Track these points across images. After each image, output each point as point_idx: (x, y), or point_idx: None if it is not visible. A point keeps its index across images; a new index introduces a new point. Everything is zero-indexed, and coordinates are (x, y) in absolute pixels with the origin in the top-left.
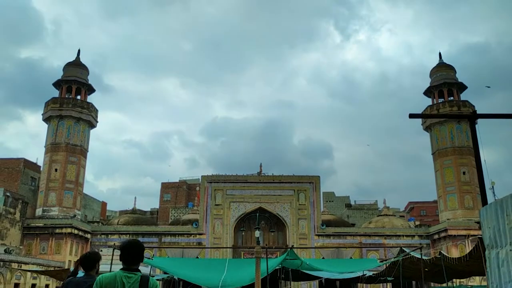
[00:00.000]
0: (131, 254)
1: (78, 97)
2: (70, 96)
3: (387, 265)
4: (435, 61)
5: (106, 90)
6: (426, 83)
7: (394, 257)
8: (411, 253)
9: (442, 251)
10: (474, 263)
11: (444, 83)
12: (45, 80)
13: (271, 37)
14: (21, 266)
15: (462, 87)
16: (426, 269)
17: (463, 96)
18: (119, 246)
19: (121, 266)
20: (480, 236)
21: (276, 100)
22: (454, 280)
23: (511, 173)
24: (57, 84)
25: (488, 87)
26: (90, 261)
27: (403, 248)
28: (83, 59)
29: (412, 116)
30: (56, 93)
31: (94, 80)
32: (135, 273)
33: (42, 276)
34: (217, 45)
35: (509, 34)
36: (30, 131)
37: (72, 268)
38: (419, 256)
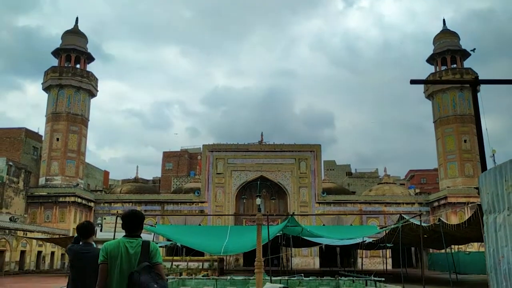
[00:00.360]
0: (132, 222)
1: (78, 66)
2: (70, 65)
3: (387, 231)
4: (439, 28)
5: (106, 59)
6: (430, 50)
7: (394, 224)
8: (410, 220)
9: (441, 218)
10: (473, 230)
11: (448, 50)
12: (44, 49)
13: (272, 3)
14: (26, 234)
15: (465, 54)
16: (425, 236)
17: (467, 63)
18: (121, 215)
19: (123, 234)
20: (479, 203)
21: (277, 69)
22: (452, 246)
23: (511, 141)
24: (56, 53)
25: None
26: (87, 229)
27: (402, 215)
28: (81, 28)
29: (413, 82)
30: (55, 62)
31: (93, 49)
32: (136, 239)
33: (48, 244)
34: (218, 13)
35: None
36: (31, 101)
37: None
38: (418, 223)
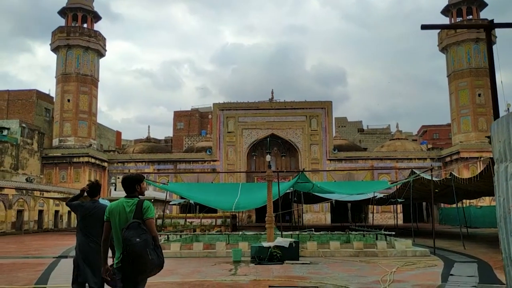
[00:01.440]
0: (126, 185)
1: (85, 25)
2: (77, 25)
3: (397, 186)
4: None
5: (114, 18)
6: (444, 2)
7: (405, 179)
8: (421, 174)
9: (453, 172)
10: (485, 183)
11: (463, 0)
12: (52, 9)
13: None
14: (43, 194)
15: (482, 5)
16: (436, 190)
17: (483, 14)
18: (121, 179)
19: None
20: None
21: (287, 25)
22: (464, 200)
23: None
24: (62, 13)
25: None
26: (95, 189)
27: (413, 170)
28: None
29: (424, 27)
30: (63, 22)
31: (102, 8)
32: (132, 198)
33: (64, 203)
34: None
35: None
36: (41, 63)
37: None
38: (429, 178)
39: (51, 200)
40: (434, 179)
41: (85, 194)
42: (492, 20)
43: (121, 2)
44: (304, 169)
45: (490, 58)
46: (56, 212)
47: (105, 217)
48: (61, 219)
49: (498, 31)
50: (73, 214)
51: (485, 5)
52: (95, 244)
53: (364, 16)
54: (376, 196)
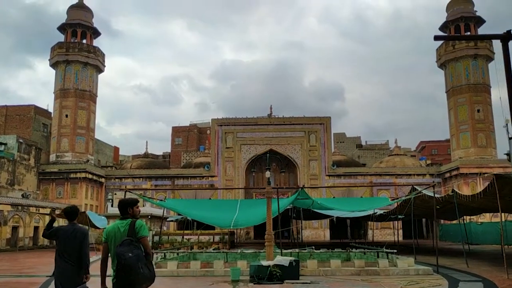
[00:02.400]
0: (120, 208)
1: (84, 41)
2: (76, 40)
3: (398, 203)
4: None
5: (114, 35)
6: (441, 19)
7: (406, 195)
8: (423, 191)
9: (455, 189)
10: (488, 200)
11: (461, 17)
12: (53, 26)
13: None
14: (39, 210)
15: (479, 21)
16: (438, 207)
17: (481, 31)
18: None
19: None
20: (495, 173)
21: (286, 41)
22: (464, 217)
23: None
24: (61, 29)
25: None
26: (72, 213)
27: (414, 186)
28: (89, 3)
29: (437, 38)
30: (62, 38)
31: (102, 25)
32: (126, 220)
33: (60, 219)
34: None
35: None
36: (42, 78)
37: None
38: (431, 194)
39: (47, 217)
40: (436, 195)
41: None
42: (510, 31)
43: (121, 18)
44: (304, 185)
45: (508, 71)
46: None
47: (103, 239)
48: None
49: (496, 48)
50: None
51: (483, 21)
52: (73, 266)
53: (362, 33)
54: (376, 212)
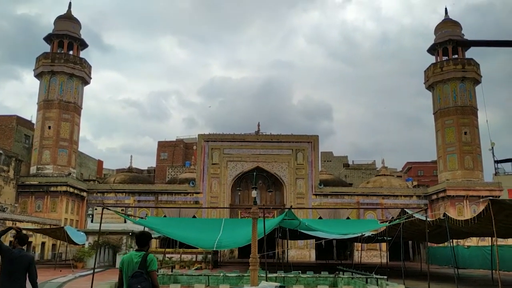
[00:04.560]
0: (141, 240)
1: (71, 52)
2: (62, 51)
3: (389, 226)
4: (436, 21)
5: (106, 49)
6: (427, 43)
7: (396, 218)
8: (414, 215)
9: (447, 213)
10: (480, 225)
11: (449, 40)
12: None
13: None
14: (15, 224)
15: (467, 45)
16: (428, 230)
17: (468, 54)
18: (135, 234)
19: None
20: (491, 197)
21: (275, 60)
22: (450, 240)
23: (507, 136)
24: (48, 39)
25: None
26: (22, 239)
27: (405, 210)
28: (82, 18)
29: (458, 43)
30: (49, 48)
31: (93, 39)
32: (141, 252)
33: (38, 234)
34: (216, 4)
35: None
36: (28, 90)
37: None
38: (423, 218)
39: (24, 231)
40: (428, 220)
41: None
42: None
43: (112, 33)
44: (291, 205)
45: None
46: (29, 243)
47: (119, 267)
48: (34, 251)
49: (483, 71)
50: (46, 246)
51: (470, 45)
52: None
53: (349, 54)
54: (364, 234)
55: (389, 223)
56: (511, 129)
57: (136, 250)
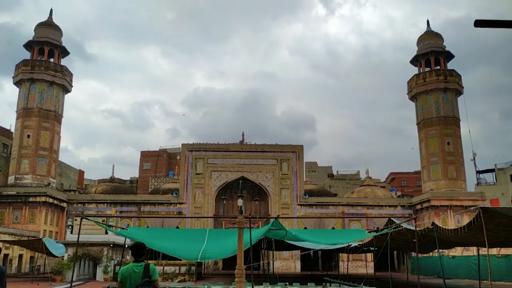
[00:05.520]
0: (137, 251)
1: (52, 60)
2: (43, 59)
3: (375, 236)
4: (417, 35)
5: (88, 58)
6: (408, 56)
7: (384, 228)
8: (402, 224)
9: (435, 222)
10: (470, 234)
11: (431, 51)
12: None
13: (254, 7)
14: None
15: (449, 56)
16: (414, 240)
17: (450, 65)
18: (130, 246)
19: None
20: (482, 206)
21: (258, 71)
22: (434, 250)
23: (485, 147)
24: (28, 46)
25: None
26: None
27: (392, 219)
28: (64, 26)
29: (477, 24)
30: (29, 56)
31: (76, 48)
32: (140, 263)
33: (15, 246)
34: (200, 15)
35: (490, 9)
36: (8, 99)
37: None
38: (412, 228)
39: (0, 243)
40: (417, 229)
41: None
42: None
43: (94, 42)
44: (278, 215)
45: None
46: (6, 256)
47: (118, 279)
48: (10, 263)
49: (465, 82)
50: (24, 258)
51: (452, 56)
52: None
53: (332, 66)
54: (351, 244)
55: (377, 232)
56: (489, 141)
57: (134, 262)
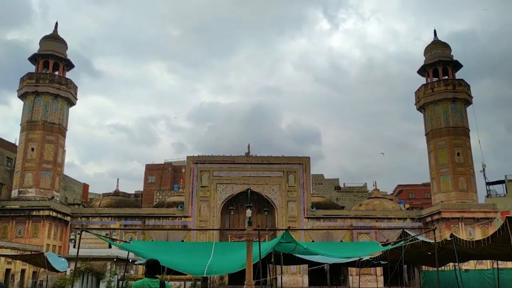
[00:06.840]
0: (154, 268)
1: (56, 72)
2: (48, 72)
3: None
4: (421, 48)
5: (96, 75)
6: (413, 69)
7: (403, 240)
8: (418, 237)
9: (453, 234)
10: (491, 247)
11: (439, 61)
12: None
13: (259, 23)
14: None
15: (457, 65)
16: (429, 253)
17: (458, 75)
18: (145, 263)
19: None
20: (509, 216)
21: (263, 86)
22: (448, 264)
23: (493, 159)
24: (33, 59)
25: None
26: None
27: (406, 231)
28: (71, 42)
29: None
30: (33, 69)
31: (84, 64)
32: (156, 279)
33: (18, 261)
34: (206, 31)
35: (494, 22)
36: (15, 115)
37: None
38: (427, 240)
39: (2, 258)
40: (428, 240)
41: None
42: None
43: (101, 59)
44: (289, 227)
45: None
46: (8, 270)
47: None
48: (13, 278)
49: (473, 92)
50: (27, 273)
51: (460, 66)
52: None
53: (336, 80)
54: (362, 258)
55: (392, 245)
56: (496, 153)
57: (149, 277)
